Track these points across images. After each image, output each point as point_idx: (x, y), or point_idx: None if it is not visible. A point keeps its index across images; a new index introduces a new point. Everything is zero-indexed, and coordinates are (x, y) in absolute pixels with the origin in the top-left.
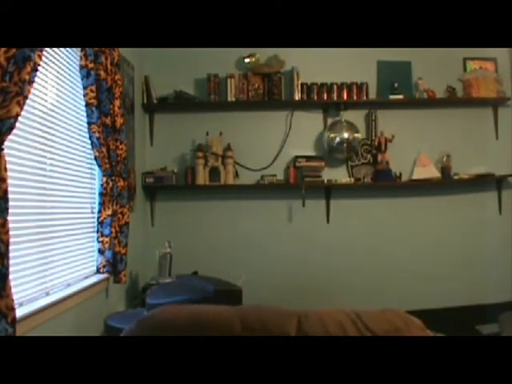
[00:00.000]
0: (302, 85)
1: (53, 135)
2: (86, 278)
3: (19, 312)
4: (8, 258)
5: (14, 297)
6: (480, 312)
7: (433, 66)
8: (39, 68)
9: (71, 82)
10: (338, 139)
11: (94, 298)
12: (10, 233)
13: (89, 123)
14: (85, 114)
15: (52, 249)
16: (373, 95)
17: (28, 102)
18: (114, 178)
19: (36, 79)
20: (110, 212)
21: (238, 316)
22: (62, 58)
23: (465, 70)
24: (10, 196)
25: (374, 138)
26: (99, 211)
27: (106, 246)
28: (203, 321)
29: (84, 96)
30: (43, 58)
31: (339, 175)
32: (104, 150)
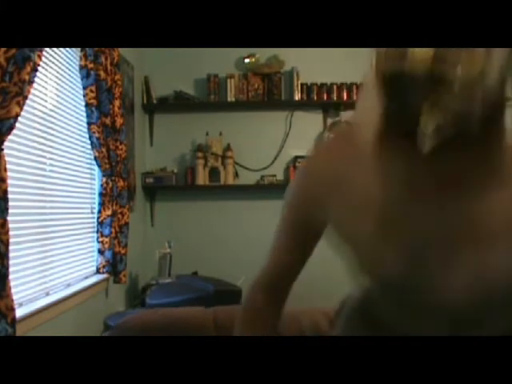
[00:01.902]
0: (301, 85)
1: (52, 135)
2: (86, 278)
3: (19, 312)
4: (8, 258)
5: (14, 297)
6: None
7: None
8: (39, 68)
9: (71, 82)
10: None
11: (93, 298)
12: (10, 233)
13: (89, 123)
14: (84, 115)
15: (52, 249)
16: None
17: (28, 102)
18: (113, 178)
19: (36, 79)
20: (109, 212)
21: (211, 317)
22: (62, 58)
23: None
24: (10, 196)
25: None
26: (99, 211)
27: (106, 246)
28: (176, 323)
29: (84, 96)
30: (43, 58)
31: None
32: (104, 150)
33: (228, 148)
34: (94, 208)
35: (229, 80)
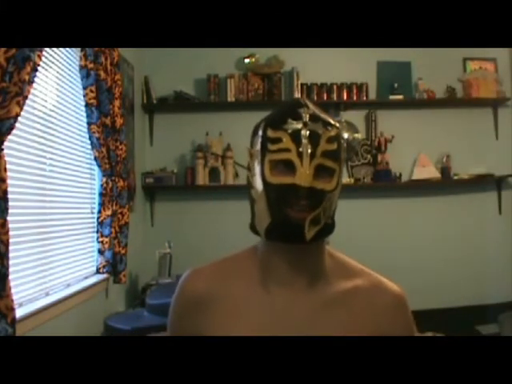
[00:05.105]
0: (301, 85)
1: (52, 135)
2: (86, 278)
3: (19, 312)
4: (8, 258)
5: (14, 297)
6: (480, 312)
7: (433, 67)
8: (39, 68)
9: (71, 82)
10: None
11: (93, 298)
12: (10, 233)
13: (88, 123)
14: (84, 115)
15: (52, 249)
16: (373, 95)
17: (28, 102)
18: (113, 178)
19: (36, 79)
20: (109, 212)
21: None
22: (62, 58)
23: (465, 70)
24: (10, 196)
25: (373, 138)
26: (99, 211)
27: (106, 246)
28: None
29: (84, 96)
30: (43, 58)
31: None
32: (104, 150)
33: (228, 148)
34: (94, 208)
35: (229, 80)
